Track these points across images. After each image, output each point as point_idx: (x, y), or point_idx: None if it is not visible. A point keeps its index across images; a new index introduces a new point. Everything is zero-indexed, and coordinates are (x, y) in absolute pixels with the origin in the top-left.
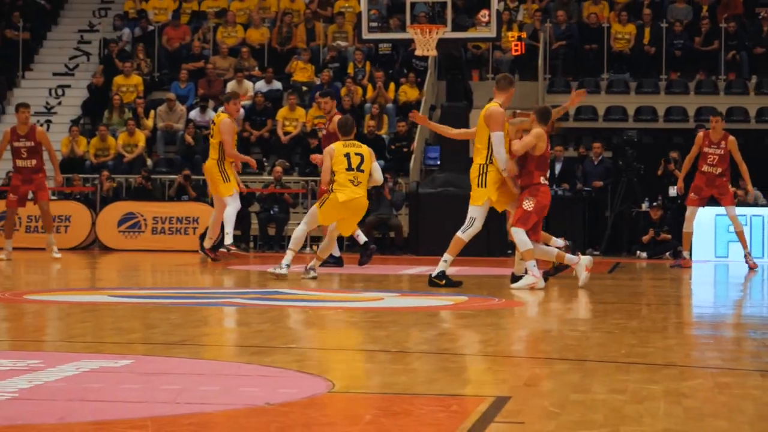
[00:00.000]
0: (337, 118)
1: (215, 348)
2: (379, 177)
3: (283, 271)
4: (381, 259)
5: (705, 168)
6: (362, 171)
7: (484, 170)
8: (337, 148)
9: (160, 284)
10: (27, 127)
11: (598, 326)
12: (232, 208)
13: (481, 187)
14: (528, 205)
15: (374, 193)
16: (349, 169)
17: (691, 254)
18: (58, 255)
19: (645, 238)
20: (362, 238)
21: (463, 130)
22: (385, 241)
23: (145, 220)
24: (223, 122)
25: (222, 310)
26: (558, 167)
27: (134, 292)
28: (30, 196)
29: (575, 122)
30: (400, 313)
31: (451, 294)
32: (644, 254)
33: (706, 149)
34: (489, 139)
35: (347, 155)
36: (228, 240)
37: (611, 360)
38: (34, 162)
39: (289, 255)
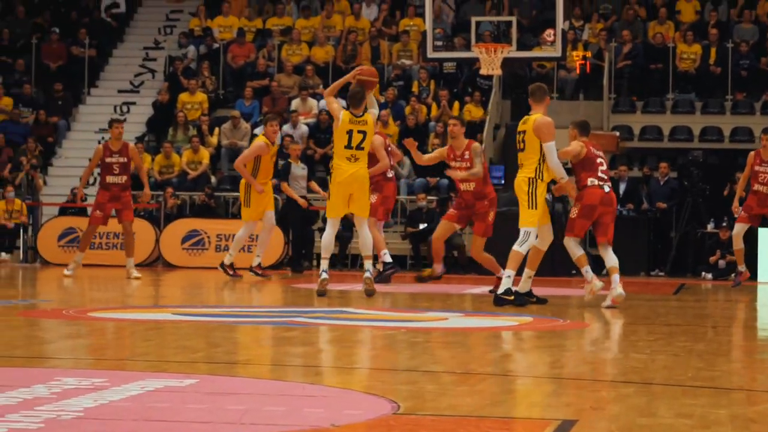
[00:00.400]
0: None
1: (279, 368)
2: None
3: (323, 276)
4: (444, 279)
5: (756, 187)
6: (362, 149)
7: (534, 185)
8: (343, 120)
9: (224, 302)
10: (120, 143)
11: (663, 349)
12: (243, 231)
13: (532, 208)
14: (573, 211)
15: (438, 212)
16: (348, 146)
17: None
18: (138, 275)
19: (712, 259)
20: (388, 258)
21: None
22: (449, 260)
23: (208, 237)
24: (253, 143)
25: (286, 329)
26: (623, 187)
27: (198, 310)
28: (112, 213)
29: (640, 142)
30: (464, 333)
31: (516, 314)
32: (709, 275)
33: (757, 168)
34: (539, 150)
35: (350, 132)
36: (227, 260)
37: (677, 383)
38: (124, 179)
39: (323, 263)
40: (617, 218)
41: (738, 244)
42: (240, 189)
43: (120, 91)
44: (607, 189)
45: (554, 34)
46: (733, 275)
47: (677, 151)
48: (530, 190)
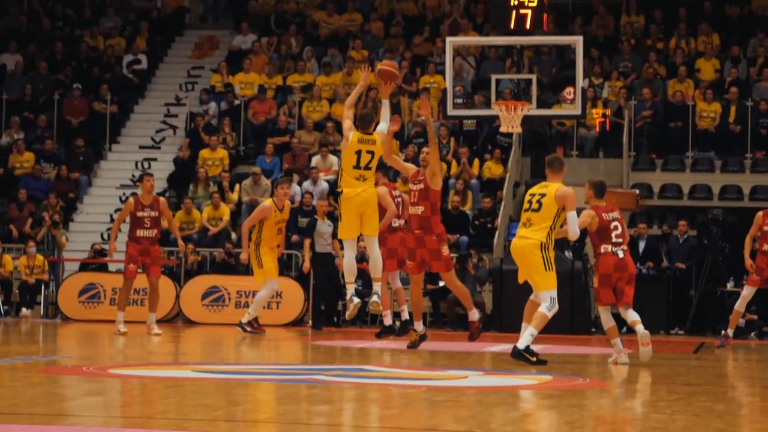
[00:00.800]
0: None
1: (299, 426)
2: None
3: (354, 302)
4: (464, 336)
5: (766, 248)
6: (369, 168)
7: (547, 249)
8: (352, 141)
9: (244, 359)
10: (151, 196)
11: (683, 409)
12: (265, 292)
13: (549, 270)
14: (594, 281)
15: (458, 269)
16: (357, 167)
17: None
18: (159, 332)
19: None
20: (388, 320)
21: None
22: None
23: (228, 294)
24: (260, 205)
25: (306, 387)
26: (642, 245)
27: (218, 367)
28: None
29: (660, 200)
30: (484, 392)
31: (536, 373)
32: (731, 332)
33: (766, 228)
34: (554, 217)
35: (359, 152)
36: (245, 319)
37: None
38: (155, 232)
39: (349, 288)
40: (637, 276)
41: (741, 307)
42: (249, 253)
43: (141, 147)
44: (621, 254)
45: (574, 92)
46: (756, 335)
47: (697, 209)
48: (544, 255)
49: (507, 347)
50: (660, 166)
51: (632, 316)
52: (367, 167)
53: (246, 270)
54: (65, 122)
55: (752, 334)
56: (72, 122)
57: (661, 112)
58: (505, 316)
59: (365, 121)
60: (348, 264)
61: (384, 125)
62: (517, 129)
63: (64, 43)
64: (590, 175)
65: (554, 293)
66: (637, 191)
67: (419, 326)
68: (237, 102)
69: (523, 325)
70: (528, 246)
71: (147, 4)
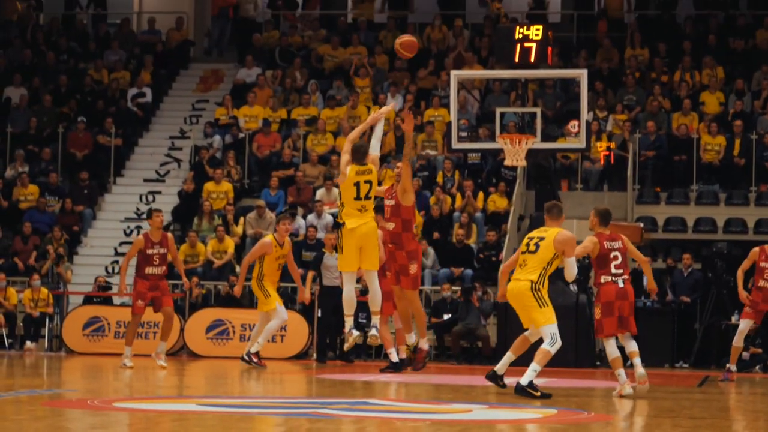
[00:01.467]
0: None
1: None
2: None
3: (354, 335)
4: (468, 369)
5: (761, 283)
6: (369, 198)
7: (537, 288)
8: (350, 175)
9: (248, 393)
10: (160, 233)
11: None
12: (275, 323)
13: (545, 306)
14: (597, 312)
15: (462, 302)
16: (357, 198)
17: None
18: (165, 364)
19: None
20: (394, 357)
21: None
22: (473, 351)
23: (233, 327)
24: (261, 240)
25: (310, 420)
26: (645, 278)
27: (222, 400)
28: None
29: (664, 233)
30: (489, 425)
31: (540, 407)
32: (734, 368)
33: (762, 264)
34: (549, 260)
35: (357, 184)
36: (254, 348)
37: None
38: (163, 269)
39: (348, 321)
40: (641, 309)
41: (739, 342)
42: (253, 287)
43: (146, 180)
44: (621, 283)
45: (578, 125)
46: (761, 368)
47: (701, 242)
48: (536, 294)
49: (511, 381)
50: (664, 200)
51: (633, 346)
52: (367, 197)
53: (250, 303)
54: (70, 155)
55: (757, 367)
56: (76, 155)
57: (665, 146)
58: (509, 349)
59: (359, 153)
60: (347, 297)
61: (375, 143)
62: (522, 162)
63: (68, 76)
64: None
65: (554, 328)
66: (642, 224)
67: (410, 338)
68: (241, 135)
69: (508, 354)
70: (520, 288)
71: (151, 38)
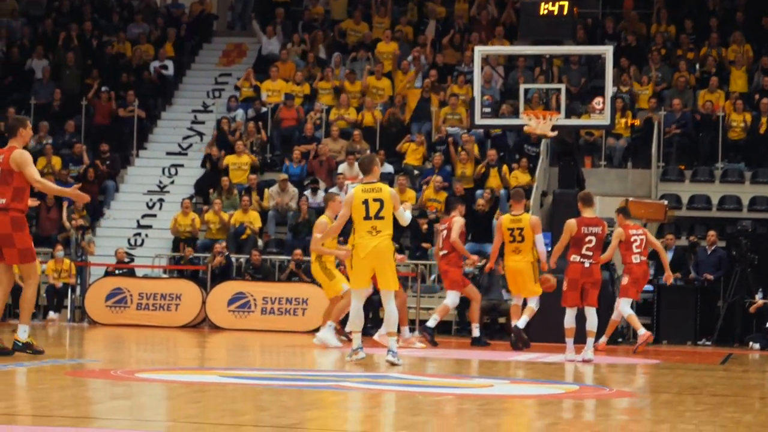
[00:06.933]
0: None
1: None
2: (405, 220)
3: (359, 355)
4: (492, 345)
5: None
6: (381, 218)
7: (536, 267)
8: (356, 194)
9: (270, 365)
10: None
11: (711, 420)
12: (345, 302)
13: (537, 283)
14: (564, 285)
15: (486, 277)
16: (367, 218)
17: None
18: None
19: None
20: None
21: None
22: (495, 326)
23: (255, 300)
24: (317, 222)
25: (333, 393)
26: (669, 256)
27: (244, 372)
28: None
29: (688, 211)
30: (510, 400)
31: (563, 382)
32: (757, 345)
33: None
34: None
35: (365, 202)
36: (330, 330)
37: None
38: None
39: (356, 339)
40: (664, 287)
41: None
42: (314, 271)
43: (168, 153)
44: (587, 264)
45: (603, 102)
46: None
47: (726, 220)
48: (534, 272)
49: (533, 356)
50: (689, 177)
51: (591, 324)
52: (378, 216)
53: (274, 276)
54: (93, 127)
55: None
56: (100, 127)
57: (690, 123)
58: (532, 325)
59: (366, 167)
60: (354, 314)
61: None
62: (550, 133)
63: (91, 48)
64: (618, 185)
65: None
66: (666, 202)
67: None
68: (264, 109)
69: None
70: (523, 267)
71: (175, 11)
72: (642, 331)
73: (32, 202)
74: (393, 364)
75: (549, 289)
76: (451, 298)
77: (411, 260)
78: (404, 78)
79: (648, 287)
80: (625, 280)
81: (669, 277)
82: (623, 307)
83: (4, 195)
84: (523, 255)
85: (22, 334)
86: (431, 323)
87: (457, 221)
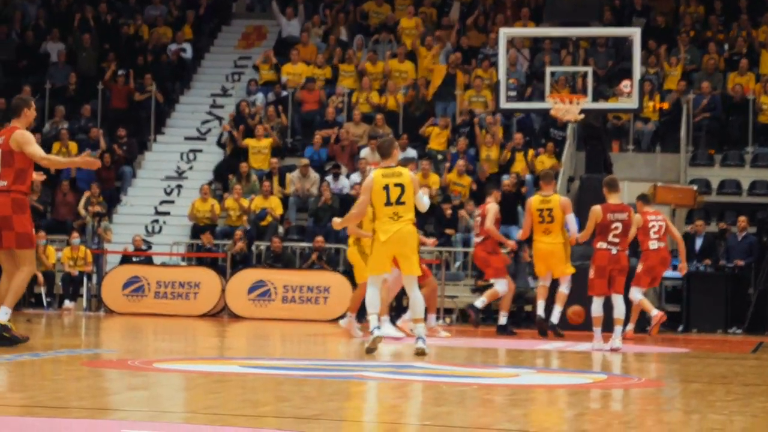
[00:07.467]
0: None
1: (349, 423)
2: (424, 206)
3: (375, 333)
4: (518, 334)
5: None
6: (402, 203)
7: (567, 247)
8: (376, 179)
9: (291, 354)
10: None
11: (742, 409)
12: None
13: (568, 262)
14: (591, 273)
15: (512, 265)
16: (388, 203)
17: None
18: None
19: None
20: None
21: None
22: (521, 315)
23: (275, 288)
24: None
25: (356, 383)
26: (699, 242)
27: (265, 362)
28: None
29: (718, 196)
30: (536, 390)
31: (590, 372)
32: None
33: None
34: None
35: (386, 187)
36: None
37: None
38: None
39: (372, 319)
40: (694, 274)
41: None
42: (351, 253)
43: (187, 138)
44: (614, 251)
45: (631, 85)
46: None
47: (756, 205)
48: (566, 251)
49: (560, 345)
50: (719, 162)
51: (619, 312)
52: (399, 202)
53: (294, 264)
54: (110, 112)
55: None
56: (116, 112)
57: (720, 106)
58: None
59: (383, 148)
60: (370, 298)
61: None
62: (577, 117)
63: (108, 31)
64: (647, 170)
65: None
66: (695, 187)
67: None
68: (285, 93)
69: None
70: (556, 249)
71: None
72: (654, 312)
73: (38, 177)
74: (422, 352)
75: (576, 321)
76: (501, 286)
77: (435, 247)
78: (428, 54)
79: (675, 274)
80: (639, 268)
81: (684, 269)
82: (634, 294)
83: (7, 177)
84: (554, 236)
85: (3, 315)
86: (478, 304)
87: (492, 207)
